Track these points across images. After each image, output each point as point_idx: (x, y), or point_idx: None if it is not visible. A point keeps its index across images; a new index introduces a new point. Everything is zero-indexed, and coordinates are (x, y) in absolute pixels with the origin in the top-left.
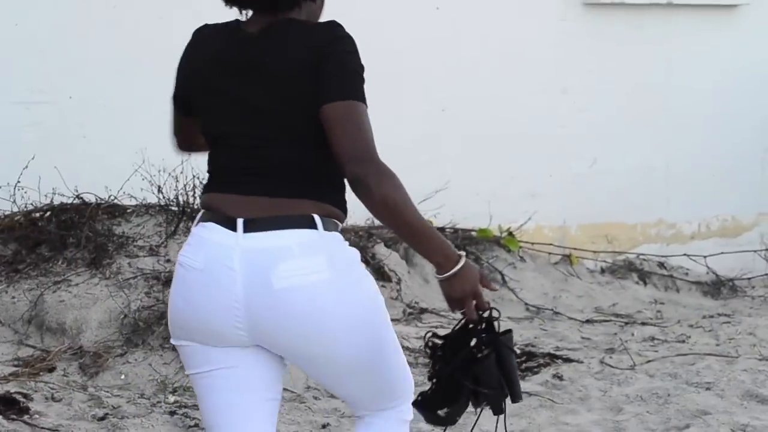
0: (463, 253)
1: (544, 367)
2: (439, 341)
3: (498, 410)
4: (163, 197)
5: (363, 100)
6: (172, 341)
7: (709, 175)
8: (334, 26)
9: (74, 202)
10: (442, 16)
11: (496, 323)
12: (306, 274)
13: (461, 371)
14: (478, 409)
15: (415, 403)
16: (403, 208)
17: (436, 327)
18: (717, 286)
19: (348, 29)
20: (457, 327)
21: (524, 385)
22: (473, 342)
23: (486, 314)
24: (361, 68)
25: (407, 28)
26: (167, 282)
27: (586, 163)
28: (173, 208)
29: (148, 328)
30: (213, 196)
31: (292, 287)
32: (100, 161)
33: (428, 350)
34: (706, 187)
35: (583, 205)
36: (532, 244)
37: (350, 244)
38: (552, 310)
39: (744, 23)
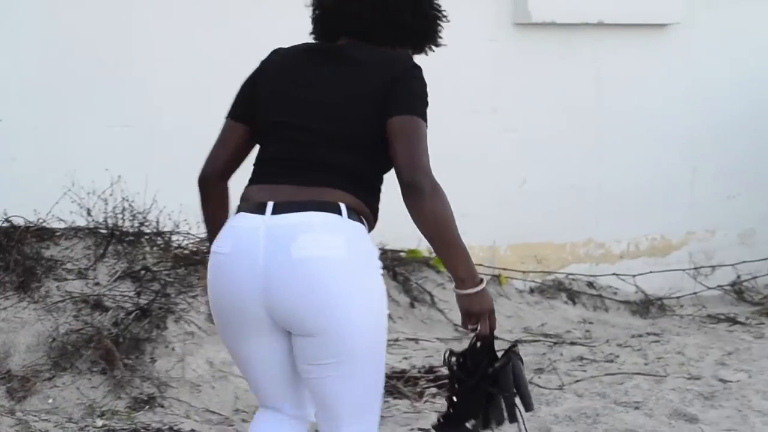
0: (485, 277)
1: None
2: (457, 358)
3: (514, 417)
4: (92, 220)
5: (425, 119)
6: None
7: (638, 194)
8: (408, 56)
9: (3, 225)
10: None
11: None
12: (324, 248)
13: (483, 380)
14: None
15: (437, 427)
16: (448, 223)
17: None
18: (646, 306)
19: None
20: (472, 344)
21: None
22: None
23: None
24: (426, 94)
25: None
26: (96, 305)
27: (515, 182)
28: (102, 231)
29: (76, 352)
30: (250, 189)
31: (309, 257)
32: (30, 184)
33: (448, 367)
34: (635, 206)
35: (513, 225)
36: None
37: None
38: None
39: (674, 43)
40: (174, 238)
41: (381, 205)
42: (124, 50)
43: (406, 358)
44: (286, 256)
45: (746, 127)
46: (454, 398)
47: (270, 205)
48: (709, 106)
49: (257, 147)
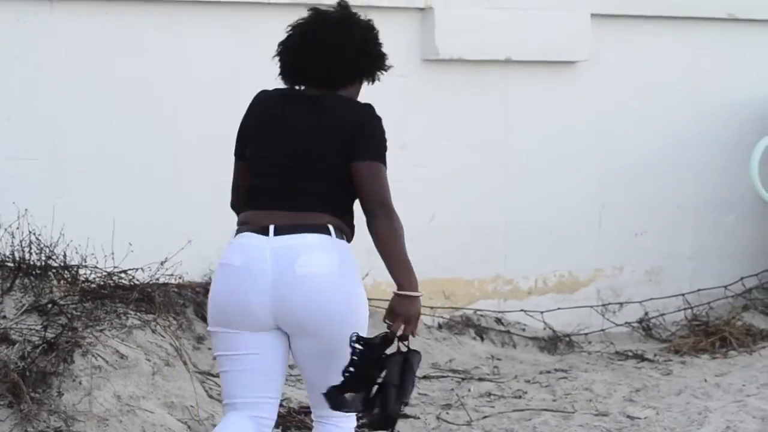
0: (422, 292)
1: None
2: (360, 342)
3: (385, 407)
4: None
5: (384, 163)
6: (209, 328)
7: (546, 230)
8: (369, 108)
9: None
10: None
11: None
12: (322, 265)
13: (374, 366)
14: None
15: (325, 394)
16: (396, 241)
17: None
18: (554, 342)
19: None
20: (378, 338)
21: None
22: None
23: (406, 344)
24: (385, 140)
25: (236, 82)
26: (2, 339)
27: (424, 218)
28: (9, 264)
29: None
30: (248, 214)
31: (311, 273)
32: None
33: (351, 346)
34: (543, 242)
35: (421, 261)
36: (371, 300)
37: (185, 300)
38: None
39: (582, 80)
40: (81, 271)
41: None
42: (29, 82)
43: None
44: (291, 273)
45: (654, 164)
46: (346, 374)
47: (272, 227)
48: (617, 142)
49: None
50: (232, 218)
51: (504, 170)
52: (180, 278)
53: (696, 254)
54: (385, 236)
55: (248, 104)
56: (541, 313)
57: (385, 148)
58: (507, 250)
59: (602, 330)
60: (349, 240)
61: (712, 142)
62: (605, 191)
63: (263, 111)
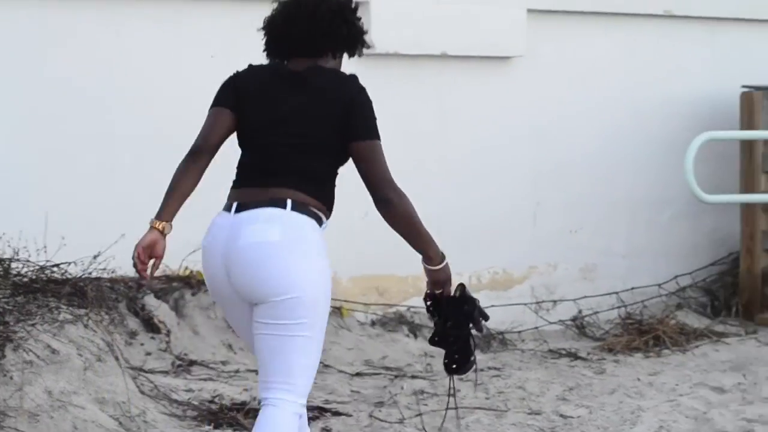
0: (445, 255)
1: (313, 420)
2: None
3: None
4: None
5: (379, 138)
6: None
7: (480, 227)
8: (356, 79)
9: None
10: (217, 64)
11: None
12: (261, 236)
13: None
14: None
15: (455, 370)
16: (414, 220)
17: (206, 380)
18: (487, 339)
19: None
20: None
21: None
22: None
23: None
24: (374, 113)
25: (173, 75)
26: None
27: (358, 214)
28: None
29: None
30: (231, 192)
31: (249, 244)
32: None
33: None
34: (477, 239)
35: (355, 257)
36: None
37: (118, 294)
38: (322, 362)
39: (518, 75)
40: (13, 265)
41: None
42: None
43: (246, 390)
44: (235, 244)
45: (589, 161)
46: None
47: (234, 205)
48: (552, 139)
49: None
50: None
51: (439, 166)
52: (113, 272)
53: (630, 252)
54: (405, 217)
55: (234, 72)
56: None
57: (376, 121)
58: (441, 247)
59: (536, 328)
60: (322, 215)
61: (647, 140)
62: (540, 188)
63: (253, 89)
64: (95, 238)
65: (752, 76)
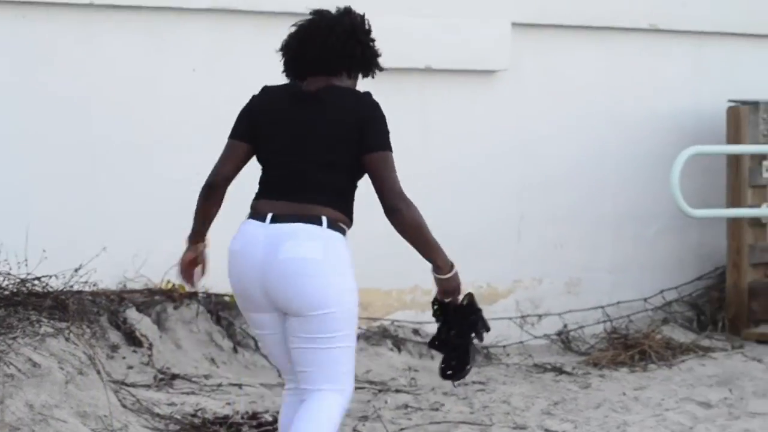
0: (454, 264)
1: None
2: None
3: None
4: None
5: (391, 149)
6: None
7: (464, 241)
8: (370, 96)
9: None
10: (199, 78)
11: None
12: (303, 251)
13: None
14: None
15: (450, 376)
16: (423, 230)
17: (188, 393)
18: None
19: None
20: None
21: None
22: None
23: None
24: (387, 126)
25: (153, 87)
26: None
27: None
28: None
29: None
30: (257, 203)
31: (290, 258)
32: None
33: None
34: (461, 253)
35: None
36: None
37: (100, 308)
38: None
39: (502, 89)
40: None
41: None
42: None
43: (229, 404)
44: (275, 257)
45: (574, 175)
46: (452, 353)
47: (269, 215)
48: (537, 153)
49: (260, 169)
50: (148, 226)
51: (422, 180)
52: (94, 285)
53: (616, 267)
54: (413, 226)
55: (251, 97)
56: None
57: (389, 133)
58: (425, 261)
59: (521, 342)
60: (347, 228)
61: (632, 154)
62: (524, 202)
63: (271, 109)
64: (76, 251)
65: (738, 90)
